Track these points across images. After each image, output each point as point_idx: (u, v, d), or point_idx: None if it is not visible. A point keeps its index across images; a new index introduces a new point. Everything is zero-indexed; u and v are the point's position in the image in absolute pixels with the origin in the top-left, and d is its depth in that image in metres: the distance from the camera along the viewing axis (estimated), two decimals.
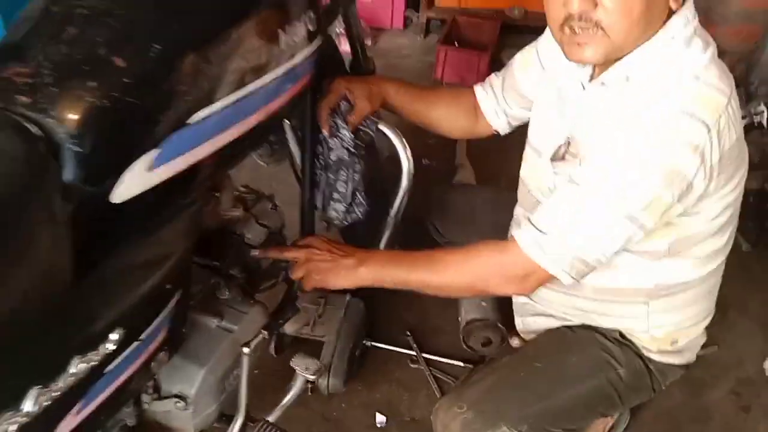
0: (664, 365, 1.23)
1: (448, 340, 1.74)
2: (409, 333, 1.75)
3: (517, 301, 1.34)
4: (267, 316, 1.12)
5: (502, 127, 1.35)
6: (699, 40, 0.98)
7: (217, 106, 0.81)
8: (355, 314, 1.61)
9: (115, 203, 0.74)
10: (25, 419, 0.67)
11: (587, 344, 1.18)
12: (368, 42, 2.96)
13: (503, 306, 1.61)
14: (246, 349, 1.03)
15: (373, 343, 1.72)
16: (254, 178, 1.42)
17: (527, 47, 1.26)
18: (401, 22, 3.16)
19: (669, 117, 0.94)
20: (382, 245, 1.33)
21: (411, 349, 1.72)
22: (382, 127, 1.24)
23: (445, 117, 1.35)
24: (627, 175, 0.95)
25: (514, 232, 1.05)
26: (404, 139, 1.23)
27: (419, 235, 1.57)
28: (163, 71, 0.75)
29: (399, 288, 1.14)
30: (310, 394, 1.57)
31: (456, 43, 2.88)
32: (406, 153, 1.23)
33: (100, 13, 0.75)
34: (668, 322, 1.19)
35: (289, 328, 1.52)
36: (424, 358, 1.70)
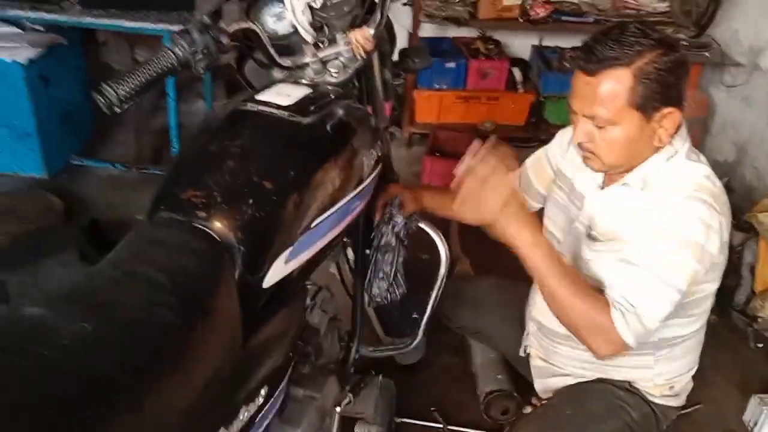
0: (665, 407, 1.47)
1: (469, 412, 1.95)
2: (434, 408, 1.96)
3: (536, 365, 1.58)
4: (340, 384, 1.34)
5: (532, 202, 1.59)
6: (695, 155, 1.28)
7: (328, 213, 1.08)
8: (387, 392, 1.82)
9: (264, 288, 0.99)
10: None
11: (602, 393, 1.43)
12: None
13: (515, 376, 1.86)
14: (337, 409, 1.24)
15: (404, 419, 1.92)
16: None
17: (537, 152, 1.60)
18: None
19: (693, 206, 1.20)
20: (424, 321, 1.57)
21: (438, 422, 1.93)
22: (423, 225, 1.52)
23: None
24: (673, 258, 1.19)
25: (612, 310, 1.20)
26: (442, 235, 1.51)
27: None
28: (297, 190, 1.03)
29: (530, 274, 1.23)
30: None
31: (438, 153, 3.25)
32: (443, 246, 1.51)
33: (249, 150, 1.04)
34: (668, 370, 1.45)
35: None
36: (450, 430, 1.91)
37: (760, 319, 2.38)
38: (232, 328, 0.91)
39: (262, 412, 1.00)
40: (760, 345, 2.37)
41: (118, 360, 0.73)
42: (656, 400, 1.46)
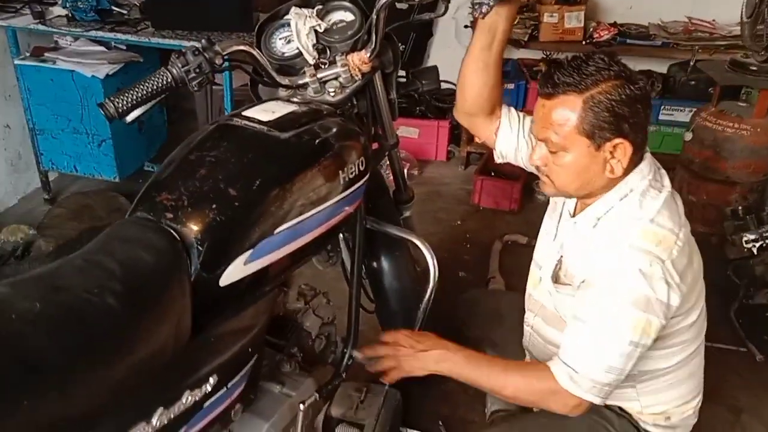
0: None
1: (476, 430, 1.95)
2: (441, 423, 1.98)
3: None
4: (318, 386, 1.40)
5: (500, 147, 1.50)
6: (653, 191, 1.26)
7: (293, 222, 1.16)
8: (392, 402, 1.86)
9: (221, 286, 1.08)
10: (150, 431, 0.98)
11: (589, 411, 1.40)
12: (415, 172, 3.38)
13: None
14: (301, 406, 1.31)
15: (409, 429, 1.95)
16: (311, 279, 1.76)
17: None
18: (444, 155, 3.60)
19: (633, 257, 1.20)
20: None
21: None
22: (414, 239, 1.57)
23: (477, 89, 1.44)
24: (619, 313, 1.20)
25: (553, 369, 1.27)
26: (431, 250, 1.55)
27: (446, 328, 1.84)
28: (260, 198, 1.12)
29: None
30: None
31: (492, 173, 3.26)
32: (432, 259, 1.54)
33: (222, 159, 1.14)
34: (659, 401, 1.41)
35: (335, 411, 1.78)
36: None
37: None
38: (180, 319, 1.01)
39: (211, 399, 1.09)
40: None
41: (54, 338, 0.83)
42: (649, 428, 1.42)
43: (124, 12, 2.79)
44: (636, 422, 1.42)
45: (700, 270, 1.35)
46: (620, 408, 1.43)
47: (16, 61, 2.82)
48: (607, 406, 1.42)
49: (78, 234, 2.52)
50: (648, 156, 1.31)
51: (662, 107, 3.34)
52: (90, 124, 2.84)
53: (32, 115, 2.91)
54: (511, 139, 1.49)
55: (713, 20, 3.33)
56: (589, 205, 1.31)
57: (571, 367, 1.25)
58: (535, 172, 1.38)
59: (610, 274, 1.22)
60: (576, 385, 1.25)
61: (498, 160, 1.55)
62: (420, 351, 1.41)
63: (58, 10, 2.77)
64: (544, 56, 3.53)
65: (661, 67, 3.51)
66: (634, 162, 1.26)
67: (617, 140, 1.20)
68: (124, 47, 2.90)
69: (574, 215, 1.38)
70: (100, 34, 2.68)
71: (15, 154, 3.07)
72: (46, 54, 2.83)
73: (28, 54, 2.87)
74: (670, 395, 1.41)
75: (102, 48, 2.88)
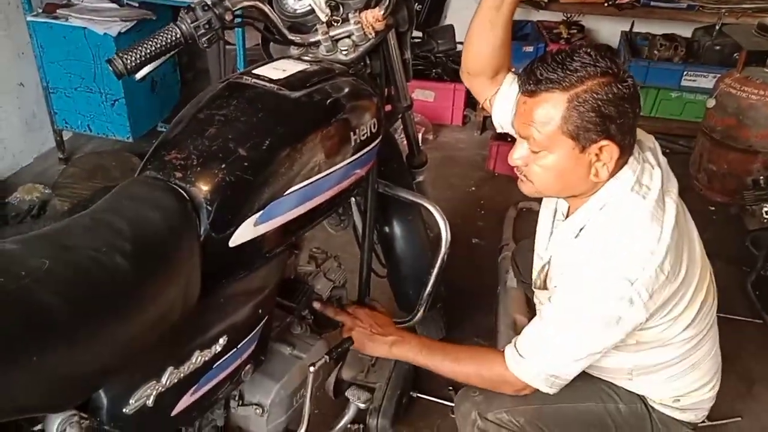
0: (667, 417, 1.40)
1: None
2: (451, 387, 1.99)
3: None
4: (328, 349, 1.41)
5: (496, 116, 1.44)
6: (635, 197, 1.18)
7: (303, 183, 1.14)
8: (403, 365, 1.87)
9: (231, 247, 1.07)
10: (160, 389, 0.98)
11: (594, 379, 1.40)
12: (429, 136, 3.34)
13: None
14: (311, 368, 1.31)
15: (419, 395, 1.96)
16: (324, 242, 1.75)
17: None
18: (460, 120, 3.54)
19: (603, 275, 1.16)
20: (424, 298, 1.61)
21: (451, 401, 1.95)
22: (426, 204, 1.55)
23: (481, 49, 1.40)
24: (578, 323, 1.19)
25: (505, 350, 1.29)
26: (444, 215, 1.53)
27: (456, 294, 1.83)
28: (270, 158, 1.10)
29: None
30: None
31: (508, 138, 3.20)
32: (445, 224, 1.52)
33: (232, 118, 1.12)
34: (660, 391, 1.38)
35: (346, 374, 1.79)
36: None
37: None
38: (188, 279, 1.00)
39: (221, 359, 1.09)
40: None
41: (62, 295, 0.83)
42: (655, 405, 1.40)
43: None
44: (643, 397, 1.41)
45: (691, 271, 1.26)
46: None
47: (29, 18, 2.79)
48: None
49: (92, 194, 2.52)
50: (632, 160, 1.21)
51: (685, 73, 3.25)
52: (103, 83, 2.82)
53: (45, 73, 2.89)
54: (507, 109, 1.39)
55: None
56: (578, 207, 1.26)
57: (519, 352, 1.26)
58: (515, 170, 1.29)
59: (575, 285, 1.20)
60: (520, 369, 1.26)
61: (498, 129, 1.48)
62: (377, 333, 1.44)
63: None
64: (565, 18, 3.44)
65: (685, 31, 3.41)
66: (620, 165, 1.19)
67: (603, 142, 1.14)
68: (137, 4, 2.85)
69: (566, 217, 1.33)
70: None
71: (30, 112, 3.06)
72: (58, 11, 2.79)
73: (40, 10, 2.84)
74: (675, 385, 1.38)
75: (114, 5, 2.84)
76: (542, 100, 1.14)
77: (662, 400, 1.40)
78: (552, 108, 1.13)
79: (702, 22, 3.27)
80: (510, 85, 1.41)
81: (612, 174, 1.19)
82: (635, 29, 3.44)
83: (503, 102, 1.41)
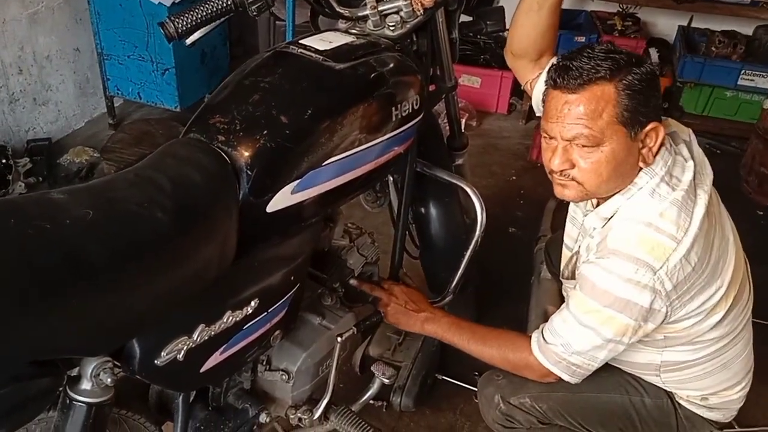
0: (693, 414, 1.38)
1: None
2: (477, 373, 1.98)
3: None
4: (357, 321, 1.42)
5: (536, 100, 1.42)
6: (664, 187, 1.17)
7: (342, 155, 1.15)
8: (429, 347, 1.87)
9: (268, 212, 1.09)
10: (191, 344, 1.01)
11: (621, 372, 1.39)
12: (473, 123, 3.31)
13: None
14: (339, 339, 1.33)
15: (444, 377, 1.97)
16: (360, 220, 1.77)
17: None
18: (506, 108, 3.49)
19: (626, 264, 1.14)
20: (455, 281, 1.60)
21: (476, 386, 1.95)
22: (464, 185, 1.54)
23: (526, 30, 1.41)
24: (600, 311, 1.18)
25: (532, 335, 1.30)
26: (481, 198, 1.52)
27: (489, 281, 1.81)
28: (311, 128, 1.11)
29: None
30: (384, 410, 1.85)
31: None
32: (481, 207, 1.51)
33: (276, 86, 1.14)
34: (689, 389, 1.36)
35: (373, 350, 1.81)
36: None
37: None
38: (225, 239, 1.02)
39: (252, 321, 1.11)
40: None
41: (104, 244, 0.86)
42: (682, 402, 1.38)
43: None
44: (670, 393, 1.39)
45: (723, 266, 1.23)
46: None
47: None
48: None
49: (138, 158, 2.58)
50: (664, 151, 1.20)
51: (742, 71, 3.13)
52: (155, 52, 2.87)
53: (101, 40, 2.96)
54: None
55: None
56: (607, 199, 1.24)
57: (544, 337, 1.26)
58: (549, 176, 1.26)
59: (599, 273, 1.17)
60: (543, 355, 1.26)
61: (537, 113, 1.45)
62: (411, 309, 1.45)
63: None
64: (620, 9, 3.34)
65: (746, 29, 3.28)
66: (654, 153, 1.19)
67: (651, 125, 1.15)
68: None
69: (596, 207, 1.30)
70: None
71: (84, 77, 3.15)
72: None
73: None
74: (703, 384, 1.35)
75: None
76: (589, 93, 1.13)
77: (690, 397, 1.38)
78: (601, 99, 1.12)
79: (765, 19, 3.14)
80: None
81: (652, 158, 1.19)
82: (694, 24, 3.32)
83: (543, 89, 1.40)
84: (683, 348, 1.29)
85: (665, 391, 1.38)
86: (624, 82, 1.12)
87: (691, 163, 1.22)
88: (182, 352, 1.01)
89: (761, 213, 2.86)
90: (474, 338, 1.39)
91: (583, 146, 1.15)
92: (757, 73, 3.13)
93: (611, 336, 1.19)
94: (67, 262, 0.82)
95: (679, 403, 1.38)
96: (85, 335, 0.85)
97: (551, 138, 1.20)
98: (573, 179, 1.19)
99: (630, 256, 1.14)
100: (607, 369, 1.29)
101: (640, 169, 1.19)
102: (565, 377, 1.26)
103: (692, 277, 1.16)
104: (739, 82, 3.17)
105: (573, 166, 1.18)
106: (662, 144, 1.18)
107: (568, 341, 1.23)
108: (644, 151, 1.17)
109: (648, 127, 1.15)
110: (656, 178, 1.18)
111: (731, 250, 1.26)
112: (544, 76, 1.40)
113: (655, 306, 1.15)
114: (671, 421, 1.37)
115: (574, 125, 1.14)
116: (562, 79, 1.15)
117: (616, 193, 1.22)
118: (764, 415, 1.85)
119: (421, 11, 1.37)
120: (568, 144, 1.17)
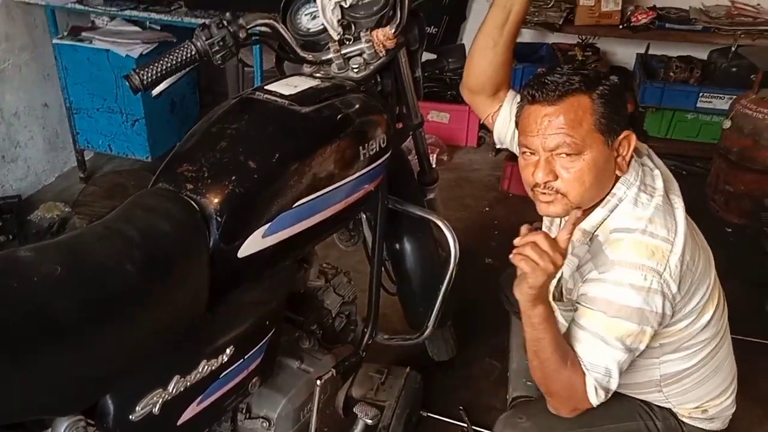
0: (697, 428, 1.41)
1: (497, 417, 1.93)
2: (462, 408, 1.97)
3: None
4: (336, 362, 1.41)
5: (498, 133, 1.49)
6: (644, 196, 1.22)
7: (312, 196, 1.16)
8: (413, 385, 1.86)
9: (240, 258, 1.08)
10: (166, 397, 0.99)
11: (629, 398, 1.39)
12: (444, 157, 3.35)
13: None
14: (318, 382, 1.32)
15: (429, 414, 1.95)
16: (336, 260, 1.77)
17: None
18: (475, 141, 3.55)
19: (626, 272, 1.16)
20: (432, 316, 1.60)
21: (463, 422, 1.93)
22: (435, 219, 1.56)
23: (482, 67, 1.44)
24: (615, 323, 1.17)
25: (587, 379, 1.20)
26: (453, 231, 1.53)
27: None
28: (279, 171, 1.12)
29: (526, 337, 1.23)
30: None
31: None
32: (454, 240, 1.52)
33: (243, 132, 1.15)
34: (690, 400, 1.38)
35: (356, 391, 1.79)
36: (474, 430, 1.91)
37: None
38: (197, 288, 1.02)
39: (228, 369, 1.10)
40: None
41: (72, 300, 0.85)
42: (685, 420, 1.41)
43: None
44: (674, 413, 1.40)
45: (708, 266, 1.29)
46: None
47: (55, 41, 2.88)
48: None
49: (110, 211, 2.56)
50: (633, 162, 1.25)
51: (701, 94, 3.24)
52: (124, 104, 2.88)
53: (69, 94, 2.97)
54: (509, 128, 1.45)
55: (757, 4, 3.20)
56: (587, 214, 1.25)
57: (597, 381, 1.20)
58: (531, 194, 1.25)
59: (606, 288, 1.18)
60: (594, 390, 1.21)
61: (497, 145, 1.54)
62: (539, 268, 1.15)
63: None
64: (580, 41, 3.44)
65: (701, 53, 3.40)
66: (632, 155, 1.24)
67: (624, 132, 1.20)
68: (158, 27, 2.93)
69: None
70: (134, 13, 2.72)
71: (53, 132, 3.14)
72: (83, 33, 2.87)
73: (65, 33, 2.92)
74: (700, 392, 1.37)
75: (137, 28, 2.91)
76: (567, 103, 1.17)
77: (690, 413, 1.40)
78: (579, 108, 1.17)
79: (717, 44, 3.26)
80: (510, 104, 1.44)
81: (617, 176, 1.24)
82: (651, 51, 3.44)
83: (505, 121, 1.47)
84: (678, 355, 1.31)
85: (669, 410, 1.40)
86: (597, 92, 1.18)
87: (657, 171, 1.27)
88: (158, 405, 0.99)
89: (729, 230, 2.92)
90: (558, 349, 1.20)
91: (567, 155, 1.18)
92: (714, 95, 3.23)
93: (632, 344, 1.19)
94: (34, 319, 0.81)
95: (682, 421, 1.40)
96: (55, 394, 0.83)
97: (532, 153, 1.22)
98: (557, 191, 1.20)
99: (633, 263, 1.16)
100: (617, 397, 1.28)
101: (617, 178, 1.23)
102: (594, 401, 1.21)
103: (688, 276, 1.20)
104: (698, 105, 3.27)
105: (556, 177, 1.19)
106: (633, 153, 1.23)
107: (594, 361, 1.20)
108: (619, 159, 1.21)
109: (621, 136, 1.20)
110: (633, 188, 1.23)
111: (708, 249, 1.32)
112: (507, 107, 1.46)
113: (666, 310, 1.18)
114: None
115: (555, 135, 1.17)
116: (540, 93, 1.19)
117: (597, 205, 1.24)
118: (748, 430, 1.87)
119: (384, 52, 1.41)
120: (550, 155, 1.19)
